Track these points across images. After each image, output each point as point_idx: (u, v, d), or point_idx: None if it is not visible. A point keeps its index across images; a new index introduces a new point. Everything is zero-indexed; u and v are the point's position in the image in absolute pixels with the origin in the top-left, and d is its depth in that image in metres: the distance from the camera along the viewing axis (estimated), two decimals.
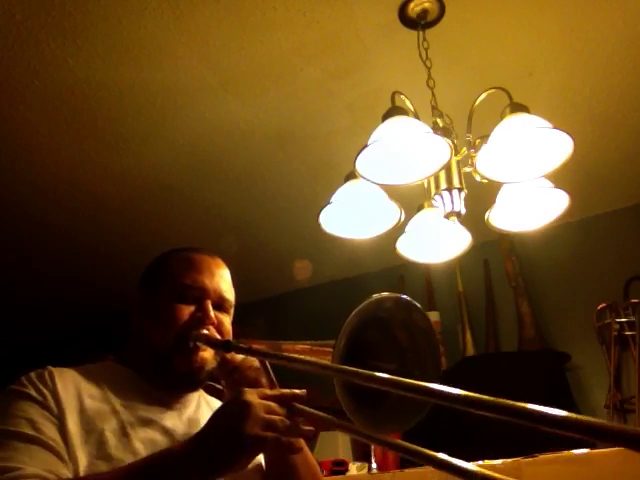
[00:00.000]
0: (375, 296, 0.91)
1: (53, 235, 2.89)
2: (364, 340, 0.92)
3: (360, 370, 0.73)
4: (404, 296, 0.94)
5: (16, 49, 1.82)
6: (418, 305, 0.95)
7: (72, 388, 1.00)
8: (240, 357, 1.09)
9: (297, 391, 0.90)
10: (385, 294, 0.92)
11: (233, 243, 2.86)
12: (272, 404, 0.86)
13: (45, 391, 0.96)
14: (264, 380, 1.05)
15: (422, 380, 0.75)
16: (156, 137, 2.26)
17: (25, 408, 0.94)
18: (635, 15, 1.80)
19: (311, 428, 0.88)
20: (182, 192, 2.61)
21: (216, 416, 0.89)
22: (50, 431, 0.92)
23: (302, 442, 1.03)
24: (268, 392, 0.89)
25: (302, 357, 0.87)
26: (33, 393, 0.96)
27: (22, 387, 0.97)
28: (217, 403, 1.18)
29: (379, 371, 0.71)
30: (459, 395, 0.58)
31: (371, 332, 0.94)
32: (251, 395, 0.86)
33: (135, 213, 2.75)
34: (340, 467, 2.09)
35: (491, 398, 0.55)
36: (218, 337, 1.06)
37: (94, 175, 2.46)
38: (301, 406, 0.87)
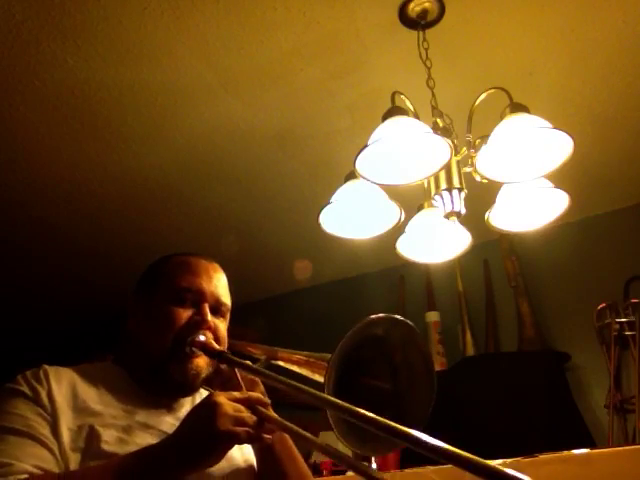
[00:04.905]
0: (372, 317, 0.93)
1: (53, 235, 2.89)
2: (360, 358, 0.94)
3: (347, 405, 0.77)
4: (401, 317, 0.96)
5: (16, 49, 1.82)
6: (415, 327, 0.98)
7: (67, 387, 1.01)
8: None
9: (262, 397, 0.97)
10: (382, 315, 0.94)
11: (233, 243, 2.86)
12: (239, 405, 0.92)
13: (39, 389, 0.98)
14: (258, 392, 1.05)
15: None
16: (156, 137, 2.26)
17: (18, 405, 0.96)
18: (635, 15, 1.80)
19: (273, 427, 0.94)
20: (182, 192, 2.61)
21: (190, 416, 0.94)
22: (42, 428, 0.94)
23: (288, 439, 1.08)
24: (236, 394, 0.94)
25: (293, 383, 0.90)
26: (26, 391, 0.97)
27: (17, 385, 0.99)
28: None
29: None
30: (438, 446, 0.60)
31: (368, 351, 0.96)
32: (220, 396, 0.92)
33: (135, 213, 2.75)
34: (340, 467, 2.09)
35: (470, 456, 0.56)
36: (215, 346, 1.07)
37: (94, 175, 2.46)
38: (266, 411, 0.94)
